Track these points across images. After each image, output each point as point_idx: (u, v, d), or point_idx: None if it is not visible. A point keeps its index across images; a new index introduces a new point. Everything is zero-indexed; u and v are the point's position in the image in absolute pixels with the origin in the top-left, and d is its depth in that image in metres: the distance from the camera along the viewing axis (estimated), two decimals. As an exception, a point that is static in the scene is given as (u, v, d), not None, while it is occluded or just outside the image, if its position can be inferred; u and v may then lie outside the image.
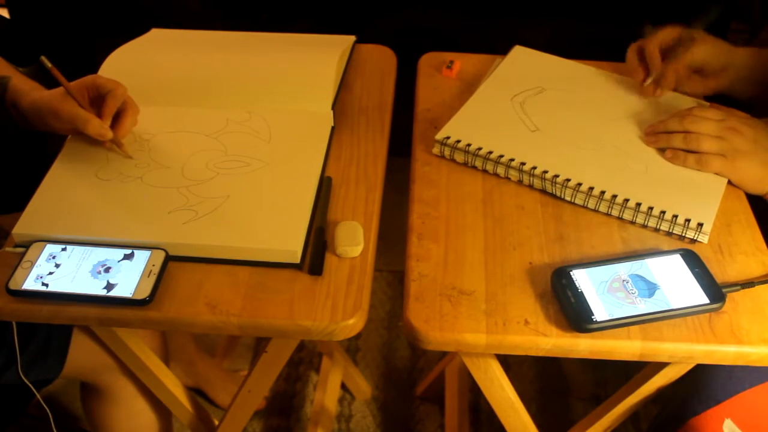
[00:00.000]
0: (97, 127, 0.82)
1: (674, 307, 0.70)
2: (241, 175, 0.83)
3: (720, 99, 0.95)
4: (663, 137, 0.87)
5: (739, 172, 0.83)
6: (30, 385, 0.87)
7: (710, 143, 0.84)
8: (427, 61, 1.06)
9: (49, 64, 0.81)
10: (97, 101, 0.85)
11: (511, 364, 1.55)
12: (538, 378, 1.54)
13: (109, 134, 0.83)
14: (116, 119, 0.85)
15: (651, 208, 0.80)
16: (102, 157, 0.86)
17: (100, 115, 0.84)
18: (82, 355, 0.93)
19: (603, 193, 0.81)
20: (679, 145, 0.85)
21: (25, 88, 0.87)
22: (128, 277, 0.72)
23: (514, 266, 0.76)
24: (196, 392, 1.45)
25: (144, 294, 0.71)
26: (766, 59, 0.93)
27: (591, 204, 0.82)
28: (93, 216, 0.78)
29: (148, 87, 0.94)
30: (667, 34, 0.93)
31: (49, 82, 0.84)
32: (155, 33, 1.08)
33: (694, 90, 0.96)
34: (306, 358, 1.57)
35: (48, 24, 1.62)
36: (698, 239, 0.79)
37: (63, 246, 0.75)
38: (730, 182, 0.84)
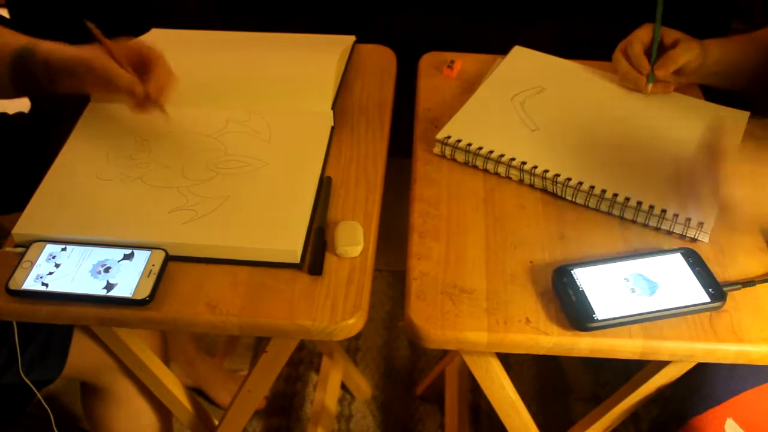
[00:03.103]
0: (128, 81, 0.80)
1: (675, 306, 0.70)
2: (241, 175, 0.83)
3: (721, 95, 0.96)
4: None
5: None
6: (31, 385, 0.87)
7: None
8: (428, 61, 1.06)
9: (92, 25, 0.81)
10: (137, 67, 0.83)
11: (511, 363, 1.55)
12: (539, 378, 1.54)
13: (139, 88, 0.81)
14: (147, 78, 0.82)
15: (652, 207, 0.80)
16: (102, 156, 0.86)
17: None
18: (83, 355, 0.93)
19: (604, 192, 0.81)
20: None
21: (56, 45, 0.84)
22: (128, 277, 0.72)
23: (515, 265, 0.76)
24: (196, 392, 1.45)
25: (144, 294, 0.71)
26: (732, 48, 0.94)
27: (592, 203, 0.82)
28: (93, 216, 0.78)
29: (148, 87, 0.94)
30: (645, 34, 0.94)
31: None
32: (155, 33, 1.07)
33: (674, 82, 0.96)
34: (306, 358, 1.57)
35: (48, 24, 1.61)
36: (699, 238, 0.79)
37: (63, 246, 0.75)
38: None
